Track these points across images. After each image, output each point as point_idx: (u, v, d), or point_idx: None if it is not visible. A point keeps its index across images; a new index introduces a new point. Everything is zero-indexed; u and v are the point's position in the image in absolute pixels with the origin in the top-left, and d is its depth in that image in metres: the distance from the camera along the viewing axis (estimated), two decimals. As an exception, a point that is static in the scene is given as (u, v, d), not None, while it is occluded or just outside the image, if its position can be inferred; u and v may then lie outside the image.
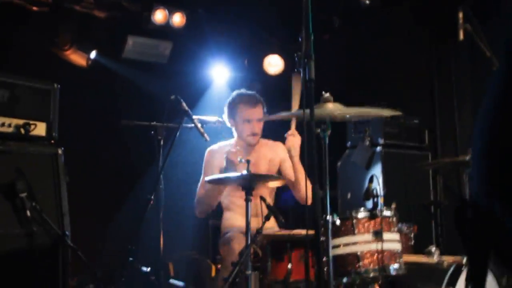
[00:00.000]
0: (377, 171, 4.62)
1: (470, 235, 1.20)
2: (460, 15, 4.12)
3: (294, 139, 3.80)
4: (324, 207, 2.88)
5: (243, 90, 4.18)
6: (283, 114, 3.40)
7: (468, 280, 3.00)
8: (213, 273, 4.29)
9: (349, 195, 4.71)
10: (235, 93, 4.16)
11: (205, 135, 3.71)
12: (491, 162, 1.16)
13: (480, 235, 1.14)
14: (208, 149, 4.10)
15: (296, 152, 3.84)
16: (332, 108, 3.02)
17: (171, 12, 5.39)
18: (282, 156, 4.09)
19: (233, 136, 4.14)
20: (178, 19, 5.47)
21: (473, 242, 1.19)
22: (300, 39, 2.76)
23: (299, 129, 3.77)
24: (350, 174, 4.83)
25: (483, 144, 1.18)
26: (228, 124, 4.12)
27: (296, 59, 2.64)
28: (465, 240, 1.23)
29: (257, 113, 4.02)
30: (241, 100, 4.07)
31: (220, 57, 5.77)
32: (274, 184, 3.83)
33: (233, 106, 4.06)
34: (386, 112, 3.29)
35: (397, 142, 4.85)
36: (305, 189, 3.68)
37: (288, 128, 3.83)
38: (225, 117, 4.11)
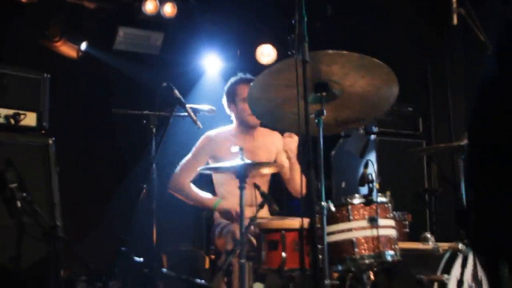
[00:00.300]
0: (371, 159, 4.58)
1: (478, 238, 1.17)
2: (454, -1, 4.09)
3: (291, 141, 3.79)
4: (319, 194, 2.85)
5: (240, 74, 4.18)
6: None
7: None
8: (207, 265, 4.26)
9: (343, 184, 4.69)
10: (232, 78, 4.19)
11: (198, 122, 3.67)
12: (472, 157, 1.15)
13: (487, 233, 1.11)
14: (206, 134, 4.09)
15: (293, 154, 3.84)
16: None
17: (162, 2, 5.34)
18: (279, 147, 4.08)
19: (230, 122, 4.13)
20: (169, 9, 5.42)
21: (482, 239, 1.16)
22: (293, 22, 2.74)
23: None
24: (344, 163, 4.80)
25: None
26: (228, 111, 4.12)
27: (289, 41, 2.62)
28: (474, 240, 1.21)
29: None
30: (240, 81, 4.11)
31: (212, 47, 5.73)
32: (269, 171, 3.81)
33: (232, 89, 4.08)
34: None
35: (392, 130, 4.82)
36: (299, 186, 3.71)
37: None
38: (224, 103, 4.11)
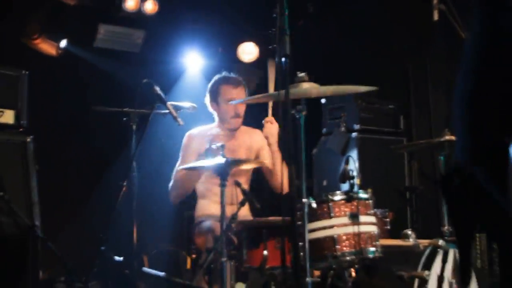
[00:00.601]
0: (353, 156, 4.60)
1: (457, 203, 1.16)
2: (435, -6, 4.11)
3: (271, 126, 3.77)
4: (300, 191, 2.85)
5: (225, 73, 4.14)
6: (259, 96, 3.37)
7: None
8: (188, 265, 4.24)
9: (325, 182, 4.69)
10: (217, 76, 4.13)
11: (179, 119, 3.64)
12: (472, 126, 1.13)
13: (466, 203, 1.10)
14: (188, 133, 4.06)
15: (274, 140, 3.81)
16: (308, 87, 2.98)
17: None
18: (261, 144, 4.06)
19: (213, 121, 4.11)
20: (150, 6, 5.37)
21: (460, 210, 1.16)
22: (274, 16, 2.74)
23: (277, 114, 3.74)
24: (326, 161, 4.80)
25: (464, 107, 1.15)
26: (210, 109, 4.08)
27: (270, 35, 2.62)
28: (452, 209, 1.20)
29: (240, 93, 3.99)
30: (224, 81, 4.05)
31: (193, 45, 5.69)
32: (249, 167, 3.80)
33: (216, 88, 4.04)
34: (363, 88, 3.25)
35: (373, 127, 4.83)
36: (281, 177, 3.69)
37: (265, 115, 3.79)
38: (207, 101, 4.08)
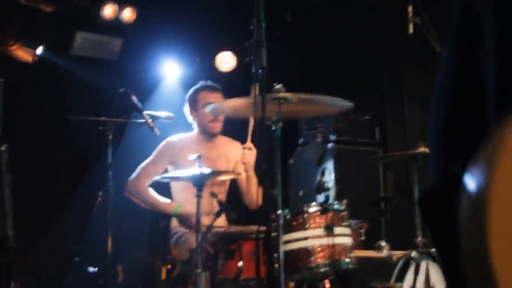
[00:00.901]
0: (329, 167, 4.63)
1: (437, 224, 1.17)
2: (410, 9, 4.17)
3: (250, 153, 3.78)
4: (276, 202, 2.86)
5: (202, 82, 4.18)
6: (238, 99, 3.33)
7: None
8: (163, 276, 4.21)
9: (301, 193, 4.70)
10: (195, 86, 4.17)
11: (155, 129, 3.64)
12: (443, 151, 1.15)
13: (446, 223, 1.11)
14: (167, 139, 4.06)
15: (250, 167, 3.84)
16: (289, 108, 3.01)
17: (121, 7, 5.28)
18: (239, 156, 4.06)
19: (191, 130, 4.12)
20: (128, 14, 5.35)
21: (441, 230, 1.16)
22: (252, 28, 2.77)
23: (255, 136, 3.71)
24: (302, 171, 4.83)
25: (437, 131, 1.17)
26: (190, 118, 4.09)
27: (247, 47, 2.64)
28: (434, 231, 1.20)
29: (218, 98, 4.01)
30: (202, 87, 4.11)
31: (171, 54, 5.69)
32: (227, 178, 3.81)
33: (194, 95, 4.08)
34: (339, 105, 3.29)
35: (349, 138, 4.86)
36: (255, 198, 3.74)
37: (244, 131, 3.79)
38: (186, 110, 4.09)
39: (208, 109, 3.42)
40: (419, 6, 4.13)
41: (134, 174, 3.96)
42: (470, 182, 0.79)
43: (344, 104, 3.23)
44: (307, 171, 4.72)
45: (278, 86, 3.05)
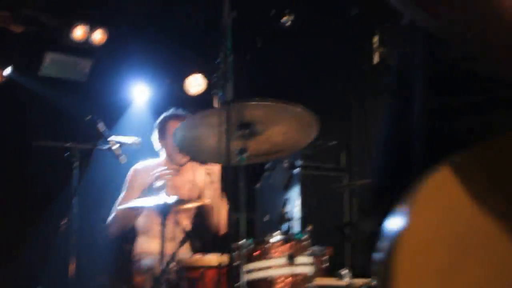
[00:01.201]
0: (295, 193, 4.69)
1: None
2: (375, 39, 4.29)
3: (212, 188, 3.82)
4: (239, 231, 2.90)
5: (172, 109, 4.19)
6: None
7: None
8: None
9: (267, 217, 4.75)
10: (165, 113, 4.17)
11: (121, 157, 3.65)
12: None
13: None
14: (133, 167, 4.04)
15: (215, 177, 3.87)
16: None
17: (92, 29, 5.29)
18: (204, 182, 4.08)
19: (158, 155, 4.12)
20: (99, 36, 5.38)
21: None
22: (218, 61, 2.81)
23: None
24: (268, 196, 4.88)
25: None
26: (158, 146, 4.09)
27: (213, 81, 2.68)
28: None
29: None
30: (171, 117, 4.09)
31: (141, 76, 5.71)
32: (191, 206, 3.83)
33: (164, 124, 4.07)
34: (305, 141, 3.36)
35: (315, 164, 4.94)
36: (221, 225, 3.76)
37: None
38: (155, 138, 4.08)
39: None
40: (384, 37, 4.25)
41: (110, 217, 3.91)
42: (388, 225, 0.85)
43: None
44: (273, 196, 4.78)
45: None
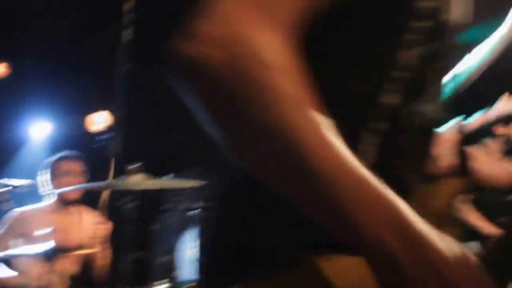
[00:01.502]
0: (192, 234, 4.74)
1: None
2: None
3: (101, 228, 3.80)
4: (127, 276, 2.92)
5: (65, 151, 4.18)
6: (89, 185, 3.41)
7: None
8: None
9: (163, 259, 4.76)
10: (58, 155, 4.15)
11: (8, 204, 3.58)
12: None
13: None
14: (19, 209, 3.94)
15: (102, 241, 3.84)
16: (139, 180, 3.08)
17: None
18: (92, 225, 4.04)
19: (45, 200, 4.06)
20: (1, 69, 5.27)
21: None
22: (110, 112, 2.85)
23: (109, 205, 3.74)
24: (165, 237, 4.90)
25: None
26: (47, 188, 4.03)
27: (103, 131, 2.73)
28: None
29: (78, 166, 4.02)
30: (63, 156, 4.08)
31: (40, 113, 5.62)
32: (78, 252, 3.79)
33: (55, 164, 4.03)
34: (192, 183, 3.43)
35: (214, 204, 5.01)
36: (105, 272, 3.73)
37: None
38: (46, 179, 4.03)
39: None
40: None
41: None
42: None
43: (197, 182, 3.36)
44: (170, 237, 4.80)
45: (131, 167, 3.15)
